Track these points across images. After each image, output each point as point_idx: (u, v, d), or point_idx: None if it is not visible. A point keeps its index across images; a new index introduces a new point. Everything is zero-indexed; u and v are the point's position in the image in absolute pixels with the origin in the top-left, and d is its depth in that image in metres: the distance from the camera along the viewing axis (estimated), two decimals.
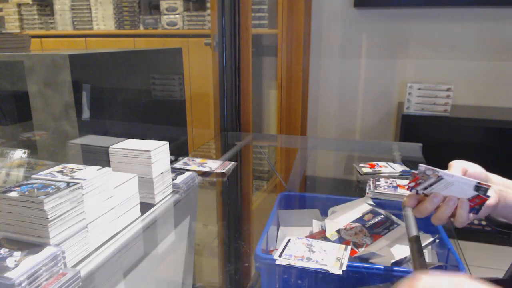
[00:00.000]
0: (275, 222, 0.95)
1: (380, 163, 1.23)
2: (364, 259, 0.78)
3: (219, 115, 1.78)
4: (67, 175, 0.67)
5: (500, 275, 1.05)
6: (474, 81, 2.23)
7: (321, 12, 2.38)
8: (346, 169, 1.49)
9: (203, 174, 1.17)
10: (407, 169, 1.18)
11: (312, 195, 1.05)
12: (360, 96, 2.44)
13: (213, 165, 1.24)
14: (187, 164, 1.22)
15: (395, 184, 1.05)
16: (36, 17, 2.97)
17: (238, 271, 0.84)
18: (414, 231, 0.68)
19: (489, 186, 0.61)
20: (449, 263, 0.75)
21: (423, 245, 0.80)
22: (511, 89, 2.19)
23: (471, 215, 0.64)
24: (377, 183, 1.06)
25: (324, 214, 1.00)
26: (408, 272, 0.71)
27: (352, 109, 2.47)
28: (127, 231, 0.76)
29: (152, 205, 0.88)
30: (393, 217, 0.94)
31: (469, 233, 2.23)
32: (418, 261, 0.62)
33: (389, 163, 1.24)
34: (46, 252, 0.56)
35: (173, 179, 0.98)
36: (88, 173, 0.68)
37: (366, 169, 1.19)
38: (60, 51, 1.14)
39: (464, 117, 2.01)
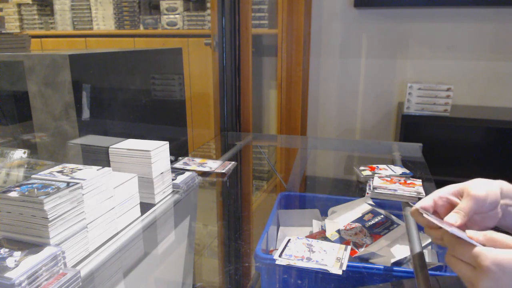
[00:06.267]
0: (275, 222, 0.95)
1: (380, 166, 1.23)
2: (364, 259, 0.78)
3: (219, 115, 1.78)
4: (67, 175, 0.67)
5: None
6: (474, 81, 2.23)
7: (321, 12, 2.38)
8: (346, 169, 1.49)
9: (203, 174, 1.17)
10: (407, 171, 1.18)
11: (312, 195, 1.05)
12: (360, 96, 2.44)
13: (213, 165, 1.24)
14: (187, 164, 1.23)
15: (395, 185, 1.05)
16: (36, 17, 2.97)
17: (238, 271, 0.84)
18: (417, 247, 0.68)
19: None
20: None
21: (423, 245, 0.80)
22: (511, 89, 2.19)
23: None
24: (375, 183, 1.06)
25: (324, 214, 1.00)
26: (408, 272, 0.71)
27: (352, 109, 2.47)
28: (127, 231, 0.76)
29: (152, 205, 0.88)
30: (393, 217, 0.94)
31: None
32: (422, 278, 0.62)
33: (389, 166, 1.24)
34: (46, 252, 0.56)
35: (173, 179, 0.98)
36: (88, 173, 0.68)
37: (366, 172, 1.19)
38: (60, 51, 1.14)
39: (464, 117, 2.01)
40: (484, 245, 0.51)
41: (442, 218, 0.66)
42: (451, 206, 0.66)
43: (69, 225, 0.62)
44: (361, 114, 2.46)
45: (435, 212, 0.68)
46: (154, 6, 2.76)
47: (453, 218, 0.61)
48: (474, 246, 0.51)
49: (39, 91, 0.96)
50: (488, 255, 0.48)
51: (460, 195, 0.65)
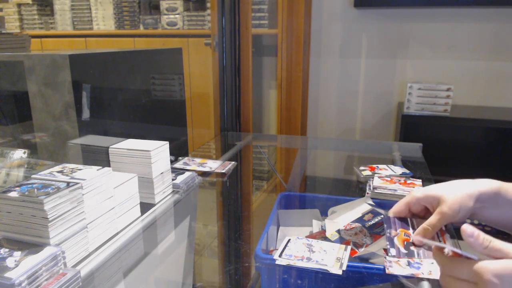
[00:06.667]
0: (275, 222, 0.95)
1: (380, 166, 1.23)
2: (364, 259, 0.78)
3: (219, 115, 1.78)
4: (67, 175, 0.67)
5: None
6: (474, 81, 2.23)
7: (321, 12, 2.38)
8: (346, 169, 1.49)
9: (203, 174, 1.17)
10: (407, 171, 1.18)
11: (312, 195, 1.05)
12: (360, 96, 2.44)
13: (213, 165, 1.24)
14: (187, 164, 1.23)
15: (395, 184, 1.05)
16: (36, 17, 2.97)
17: (238, 271, 0.83)
18: None
19: None
20: None
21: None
22: (511, 89, 2.19)
23: None
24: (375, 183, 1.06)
25: (324, 214, 1.00)
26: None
27: (352, 109, 2.47)
28: (127, 231, 0.76)
29: (152, 205, 0.88)
30: None
31: None
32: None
33: (389, 166, 1.24)
34: (46, 252, 0.56)
35: (173, 179, 0.98)
36: (88, 173, 0.68)
37: (366, 172, 1.19)
38: (60, 51, 1.14)
39: (464, 117, 2.01)
40: (487, 255, 0.49)
41: (418, 217, 0.68)
42: (426, 207, 0.68)
43: (69, 225, 0.62)
44: (361, 114, 2.46)
45: (409, 212, 0.70)
46: (154, 6, 2.76)
47: (419, 237, 0.64)
48: (473, 261, 0.48)
49: (39, 91, 0.96)
50: (488, 267, 0.46)
51: (435, 201, 0.66)
